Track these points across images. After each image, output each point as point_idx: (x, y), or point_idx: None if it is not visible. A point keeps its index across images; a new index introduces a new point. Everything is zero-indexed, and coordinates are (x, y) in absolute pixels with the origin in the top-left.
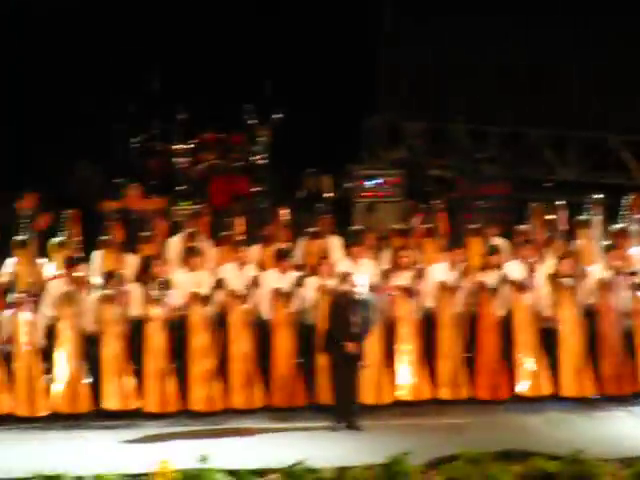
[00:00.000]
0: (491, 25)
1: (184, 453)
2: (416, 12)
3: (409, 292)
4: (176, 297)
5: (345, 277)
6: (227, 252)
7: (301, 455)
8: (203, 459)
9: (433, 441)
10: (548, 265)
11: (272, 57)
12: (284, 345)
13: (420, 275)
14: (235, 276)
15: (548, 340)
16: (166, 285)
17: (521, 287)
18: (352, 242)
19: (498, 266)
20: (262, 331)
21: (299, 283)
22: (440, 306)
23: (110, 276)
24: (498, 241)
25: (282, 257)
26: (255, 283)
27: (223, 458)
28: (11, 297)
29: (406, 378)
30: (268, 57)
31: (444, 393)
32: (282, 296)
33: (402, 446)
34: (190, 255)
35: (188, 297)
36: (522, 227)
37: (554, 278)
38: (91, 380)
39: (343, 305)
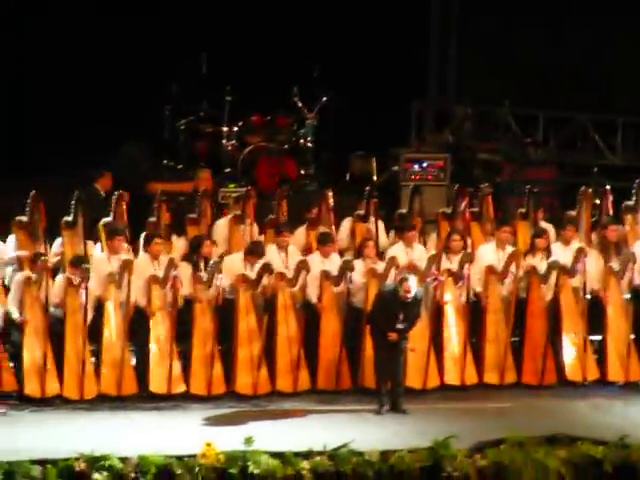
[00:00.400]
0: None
1: (229, 435)
2: None
3: (457, 277)
4: (224, 280)
5: (401, 282)
6: (273, 235)
7: (346, 438)
8: (248, 441)
9: (478, 425)
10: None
11: (320, 39)
12: (331, 328)
13: (468, 259)
14: (281, 259)
15: (595, 325)
16: (215, 267)
17: (569, 272)
18: (399, 225)
19: (545, 250)
20: (309, 314)
21: (346, 266)
22: (488, 290)
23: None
24: (545, 225)
25: (327, 240)
26: (302, 266)
27: (268, 440)
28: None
29: (453, 362)
30: (316, 39)
31: (490, 378)
32: (330, 279)
33: (447, 430)
34: (237, 238)
35: (236, 280)
36: (570, 212)
37: (602, 262)
38: (137, 362)
39: (391, 300)
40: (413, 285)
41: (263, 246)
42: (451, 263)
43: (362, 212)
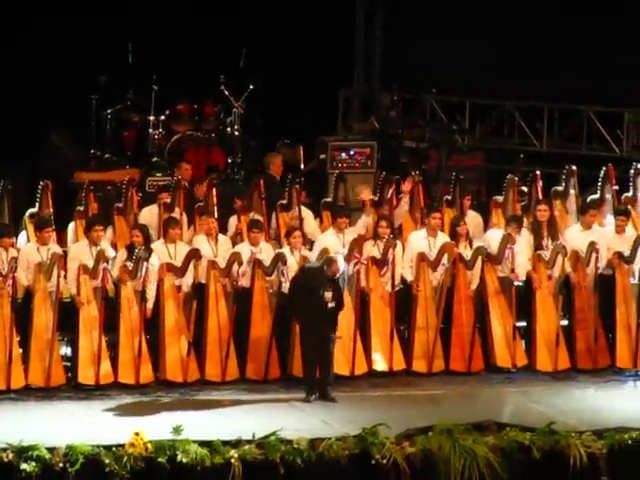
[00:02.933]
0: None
1: (157, 424)
2: None
3: (381, 262)
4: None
5: (329, 262)
6: (201, 223)
7: (275, 426)
8: (176, 430)
9: (407, 412)
10: (524, 236)
11: (247, 27)
12: (260, 317)
13: (392, 245)
14: (210, 247)
15: (524, 313)
16: (141, 256)
17: (494, 258)
18: (329, 213)
19: (469, 237)
20: (240, 302)
21: (279, 259)
22: (418, 277)
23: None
24: (472, 213)
25: (256, 227)
26: (234, 258)
27: (197, 429)
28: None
29: (380, 349)
30: (242, 27)
31: (419, 365)
32: (261, 267)
33: (376, 417)
34: (166, 226)
35: (163, 269)
36: (496, 197)
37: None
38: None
39: (317, 279)
40: (341, 263)
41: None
42: (375, 250)
43: (284, 202)
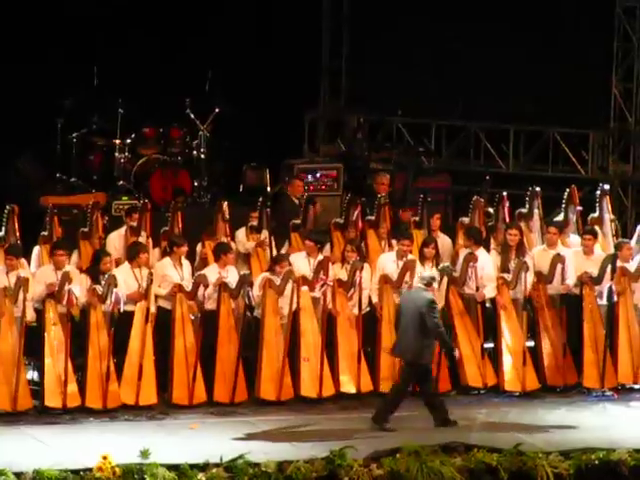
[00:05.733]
0: (431, 20)
1: (125, 448)
2: (358, 8)
3: (348, 285)
4: (120, 293)
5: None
6: (168, 247)
7: (243, 450)
8: (144, 454)
9: (375, 434)
10: (491, 256)
11: (213, 51)
12: (228, 340)
13: (359, 267)
14: (174, 272)
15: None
16: (111, 281)
17: (458, 279)
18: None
19: (435, 259)
20: (207, 325)
21: (244, 280)
22: (383, 300)
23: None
24: (439, 234)
25: (223, 251)
26: (200, 280)
27: (164, 453)
28: None
29: (348, 371)
30: (209, 51)
31: (386, 386)
32: (227, 291)
33: (344, 439)
34: (132, 251)
35: (133, 294)
36: (463, 219)
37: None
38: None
39: None
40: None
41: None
42: (342, 273)
43: (255, 223)
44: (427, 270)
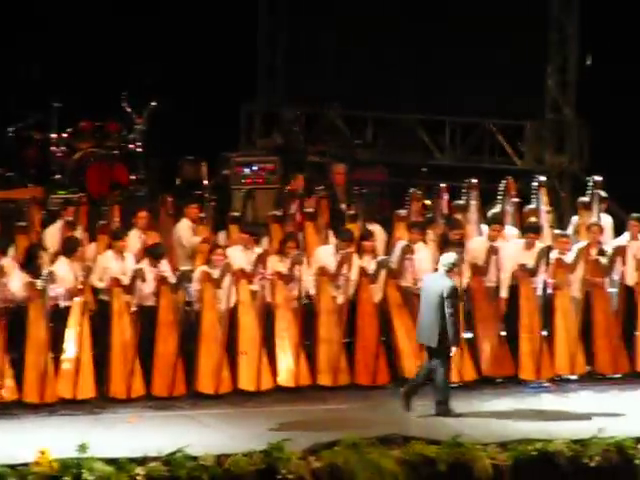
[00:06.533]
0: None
1: (63, 442)
2: (295, 1)
3: (288, 278)
4: (58, 288)
5: None
6: (105, 241)
7: (181, 443)
8: (82, 448)
9: (313, 427)
10: (428, 249)
11: (149, 44)
12: (167, 334)
13: (299, 261)
14: (116, 265)
15: None
16: (50, 276)
17: (396, 271)
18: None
19: (374, 251)
20: (146, 319)
21: (184, 277)
22: (319, 291)
23: None
24: (375, 227)
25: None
26: (139, 274)
27: (102, 447)
28: None
29: (286, 364)
30: (144, 44)
31: (324, 379)
32: (167, 285)
33: (282, 432)
34: (68, 245)
35: (70, 288)
36: (400, 212)
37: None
38: None
39: None
40: None
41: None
42: (280, 265)
43: (203, 215)
44: (365, 263)
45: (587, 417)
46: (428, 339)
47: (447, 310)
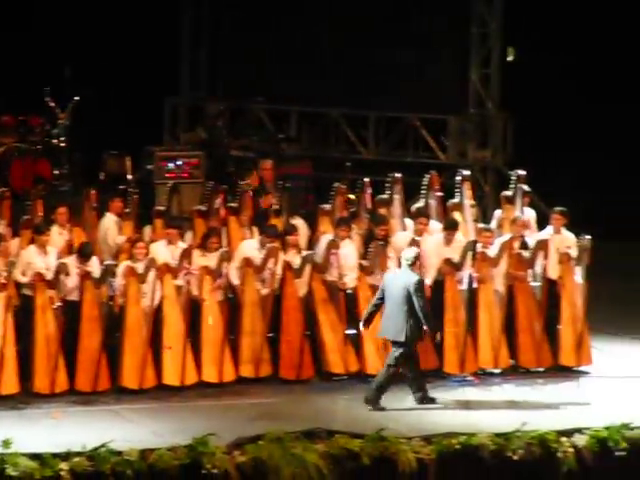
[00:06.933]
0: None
1: None
2: None
3: (213, 273)
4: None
5: None
6: (29, 236)
7: (105, 438)
8: (6, 443)
9: (238, 422)
10: (353, 243)
11: (71, 38)
12: (89, 328)
13: (226, 257)
14: (39, 260)
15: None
16: None
17: (321, 266)
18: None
19: (298, 246)
20: (70, 314)
21: (108, 271)
22: (244, 283)
23: None
24: (298, 221)
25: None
26: (62, 269)
27: (26, 442)
28: None
29: (210, 358)
30: (69, 39)
31: (246, 370)
32: (89, 279)
33: (206, 427)
34: None
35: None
36: (324, 206)
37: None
38: None
39: None
40: None
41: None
42: (205, 260)
43: (128, 211)
44: (290, 257)
45: (510, 411)
46: (395, 334)
47: (418, 303)
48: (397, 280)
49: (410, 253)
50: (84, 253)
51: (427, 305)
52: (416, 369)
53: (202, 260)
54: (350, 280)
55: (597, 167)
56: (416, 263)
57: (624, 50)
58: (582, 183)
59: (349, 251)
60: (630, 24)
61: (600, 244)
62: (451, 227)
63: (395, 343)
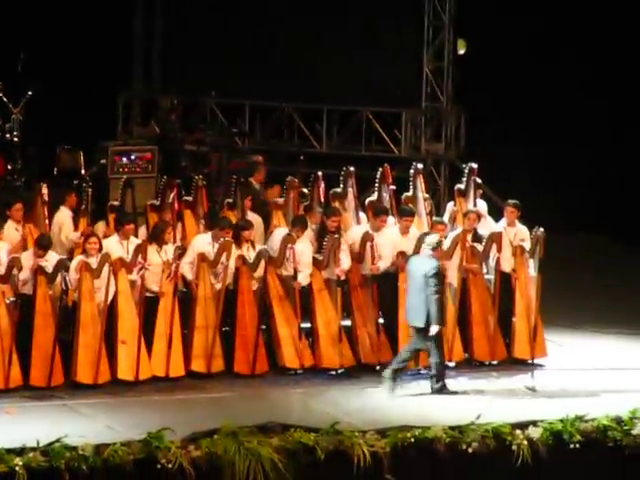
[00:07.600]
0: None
1: None
2: None
3: (168, 267)
4: None
5: None
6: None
7: (59, 433)
8: None
9: (192, 416)
10: (307, 237)
11: (24, 32)
12: (43, 323)
13: (180, 252)
14: None
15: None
16: None
17: (276, 260)
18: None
19: (252, 240)
20: (23, 309)
21: (61, 266)
22: (199, 278)
23: None
24: (252, 215)
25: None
26: (13, 264)
27: None
28: None
29: (163, 353)
30: (20, 32)
31: (198, 365)
32: (43, 275)
33: (161, 422)
34: None
35: None
36: (277, 200)
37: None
38: None
39: None
40: None
41: None
42: (165, 254)
43: (83, 207)
44: (244, 251)
45: (464, 404)
46: (416, 320)
47: (429, 289)
48: (418, 266)
49: (433, 239)
50: (42, 244)
51: (440, 294)
52: (440, 355)
53: (155, 255)
54: (304, 278)
55: (550, 160)
56: (438, 249)
57: (579, 40)
58: (535, 176)
59: (304, 248)
60: (587, 16)
61: (554, 237)
62: (407, 214)
63: (416, 329)
